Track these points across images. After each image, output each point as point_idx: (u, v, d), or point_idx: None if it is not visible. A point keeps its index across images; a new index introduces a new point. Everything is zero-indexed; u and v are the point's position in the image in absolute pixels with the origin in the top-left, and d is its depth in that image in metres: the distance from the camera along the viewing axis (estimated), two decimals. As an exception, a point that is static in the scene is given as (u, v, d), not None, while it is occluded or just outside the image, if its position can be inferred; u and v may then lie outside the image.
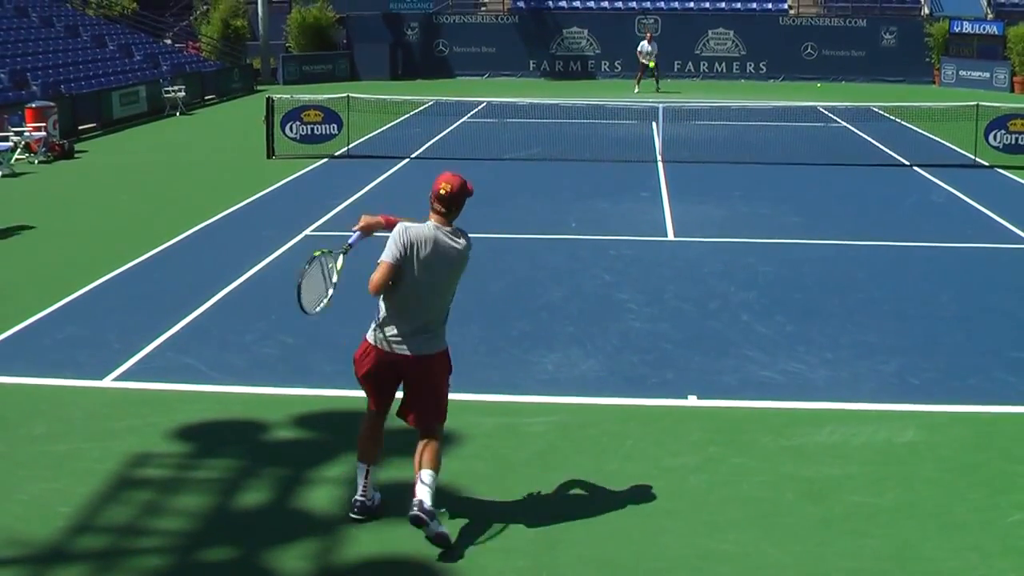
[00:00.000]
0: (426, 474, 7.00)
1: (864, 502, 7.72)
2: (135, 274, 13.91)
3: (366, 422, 7.38)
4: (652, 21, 44.07)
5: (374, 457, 7.38)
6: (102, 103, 29.24)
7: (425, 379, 7.14)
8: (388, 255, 6.98)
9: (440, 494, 7.27)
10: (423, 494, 6.91)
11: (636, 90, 38.18)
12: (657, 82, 38.69)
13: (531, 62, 44.97)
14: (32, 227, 16.79)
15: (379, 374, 7.16)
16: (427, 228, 7.04)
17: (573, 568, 6.82)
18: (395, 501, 7.43)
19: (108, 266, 14.03)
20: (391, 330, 7.04)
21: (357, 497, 7.35)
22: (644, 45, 39.12)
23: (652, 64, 38.69)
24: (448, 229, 7.06)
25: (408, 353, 7.04)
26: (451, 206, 7.05)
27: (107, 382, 10.07)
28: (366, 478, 7.34)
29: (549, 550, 7.00)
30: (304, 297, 7.23)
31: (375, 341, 7.11)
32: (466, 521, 7.38)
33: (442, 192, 7.01)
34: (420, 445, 7.15)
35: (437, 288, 7.06)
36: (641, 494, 7.82)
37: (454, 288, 7.22)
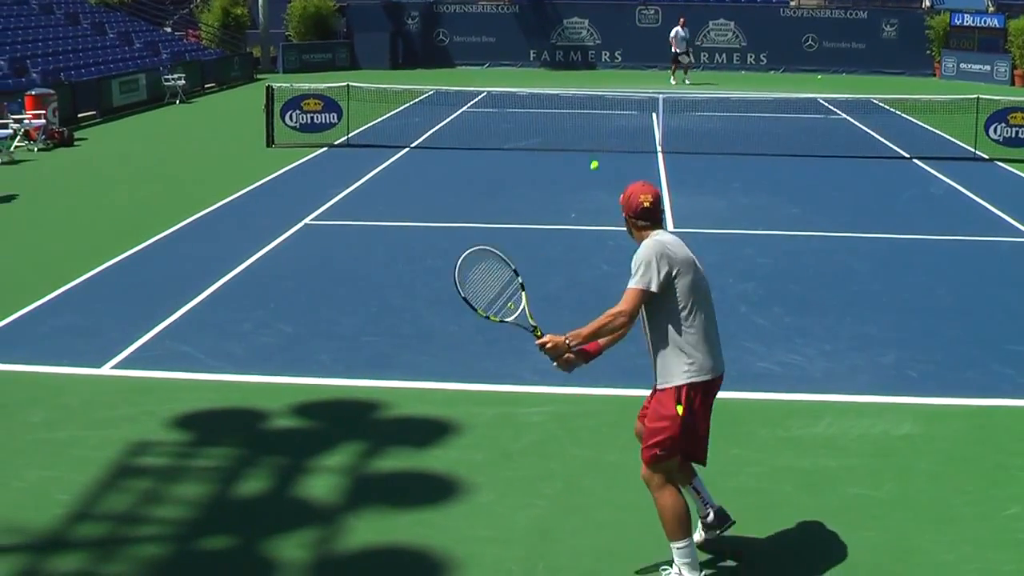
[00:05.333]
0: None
1: (861, 494, 7.73)
2: (133, 262, 13.91)
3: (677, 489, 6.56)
4: (652, 12, 44.05)
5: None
6: (102, 91, 29.22)
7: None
8: (644, 280, 6.33)
9: (437, 483, 7.27)
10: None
11: (672, 81, 37.99)
12: (686, 73, 38.56)
13: (531, 52, 44.96)
14: (30, 214, 16.81)
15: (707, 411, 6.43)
16: (664, 235, 6.38)
17: (570, 559, 6.82)
18: (392, 490, 7.43)
19: (106, 254, 14.03)
20: (706, 355, 6.40)
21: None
22: (678, 31, 38.40)
23: (687, 59, 38.37)
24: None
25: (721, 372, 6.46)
26: (662, 213, 6.44)
27: (105, 370, 10.07)
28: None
29: (545, 540, 7.00)
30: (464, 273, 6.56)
31: (700, 376, 6.36)
32: (463, 510, 7.39)
33: (648, 206, 6.33)
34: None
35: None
36: (639, 485, 7.81)
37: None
